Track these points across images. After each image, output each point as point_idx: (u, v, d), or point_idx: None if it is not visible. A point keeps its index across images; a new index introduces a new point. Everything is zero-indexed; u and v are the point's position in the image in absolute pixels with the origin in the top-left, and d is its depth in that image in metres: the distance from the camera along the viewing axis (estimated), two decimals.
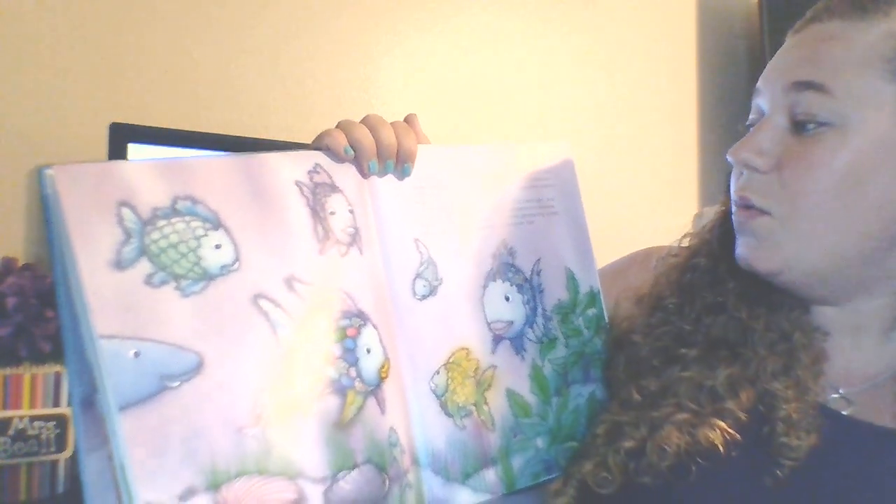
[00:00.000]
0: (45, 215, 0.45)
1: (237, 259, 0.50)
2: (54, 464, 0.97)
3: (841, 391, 0.61)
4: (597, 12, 1.67)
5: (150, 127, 1.12)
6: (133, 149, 1.08)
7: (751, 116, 0.64)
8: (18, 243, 1.12)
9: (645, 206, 1.69)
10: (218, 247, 0.49)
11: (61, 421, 0.96)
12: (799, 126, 0.58)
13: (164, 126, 1.15)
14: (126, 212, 0.46)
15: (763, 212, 0.59)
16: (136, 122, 1.12)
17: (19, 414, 0.94)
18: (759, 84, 0.63)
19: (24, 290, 1.00)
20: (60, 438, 0.96)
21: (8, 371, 0.96)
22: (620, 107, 1.69)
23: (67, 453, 0.97)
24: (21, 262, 1.07)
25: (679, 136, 1.78)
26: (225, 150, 1.14)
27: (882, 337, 0.62)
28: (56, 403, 0.97)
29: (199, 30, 1.27)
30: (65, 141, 1.15)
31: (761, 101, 0.62)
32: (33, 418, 0.95)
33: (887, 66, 0.56)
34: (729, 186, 0.65)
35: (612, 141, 1.68)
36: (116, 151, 1.07)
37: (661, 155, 1.75)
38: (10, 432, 0.94)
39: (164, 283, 0.47)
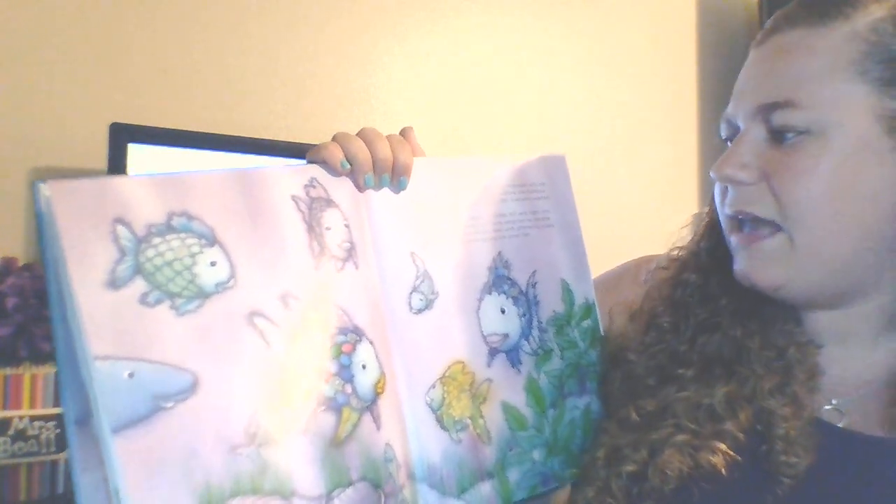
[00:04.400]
0: (39, 230, 0.45)
1: (232, 276, 0.49)
2: (54, 464, 0.97)
3: (834, 402, 0.61)
4: (597, 14, 1.67)
5: (150, 127, 1.12)
6: (133, 149, 1.08)
7: (726, 133, 0.63)
8: (18, 243, 1.12)
9: (646, 207, 1.69)
10: (213, 264, 0.49)
11: (61, 421, 0.96)
12: (778, 136, 0.58)
13: (164, 126, 1.15)
14: (121, 229, 0.46)
15: (773, 225, 0.58)
16: (136, 122, 1.12)
17: (19, 414, 0.94)
18: (730, 107, 0.62)
19: (24, 290, 1.01)
20: (60, 438, 0.96)
21: (8, 371, 0.96)
22: (621, 108, 1.69)
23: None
24: (21, 262, 1.07)
25: (679, 137, 1.78)
26: (225, 150, 1.14)
27: (872, 343, 0.62)
28: (56, 403, 0.97)
29: (199, 30, 1.27)
30: (65, 141, 1.15)
31: (734, 119, 0.62)
32: (33, 418, 0.95)
33: (854, 67, 0.56)
34: (714, 199, 0.64)
35: (612, 142, 1.68)
36: (116, 151, 1.07)
37: (662, 155, 1.75)
38: (10, 432, 0.94)
39: (159, 302, 0.46)
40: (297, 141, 1.29)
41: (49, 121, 1.15)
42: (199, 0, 1.27)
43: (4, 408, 0.94)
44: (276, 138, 1.30)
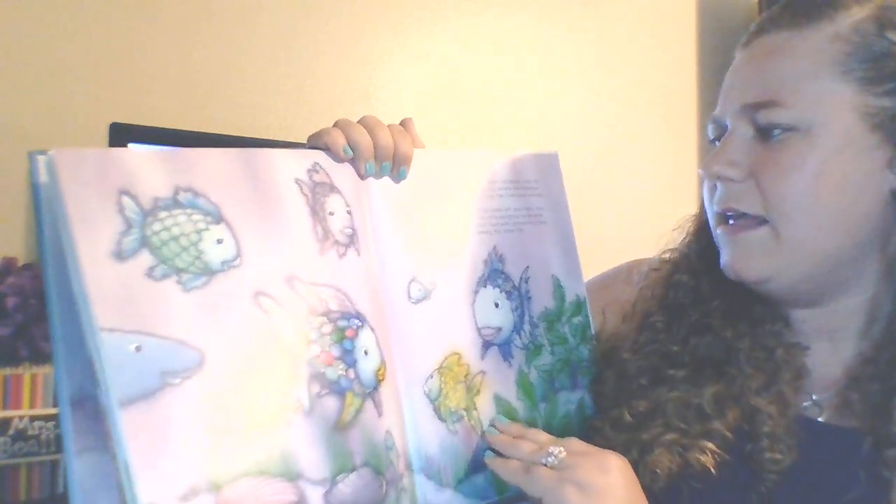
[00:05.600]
0: (34, 202, 0.44)
1: (238, 255, 0.49)
2: (54, 464, 0.97)
3: (814, 397, 0.62)
4: (597, 13, 1.67)
5: (150, 127, 1.12)
6: (133, 149, 1.08)
7: (713, 133, 0.64)
8: (18, 243, 1.12)
9: (645, 207, 1.69)
10: (219, 241, 0.48)
11: None
12: (765, 133, 0.58)
13: (164, 126, 1.15)
14: (127, 200, 0.45)
15: (759, 220, 0.59)
16: (136, 122, 1.12)
17: (19, 414, 0.94)
18: (718, 108, 0.63)
19: (24, 290, 1.01)
20: (61, 438, 0.96)
21: (8, 371, 0.96)
22: (620, 107, 1.69)
23: None
24: (21, 262, 1.07)
25: (679, 137, 1.78)
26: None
27: (858, 339, 0.62)
28: (56, 403, 0.97)
29: (199, 30, 1.27)
30: (65, 141, 1.15)
31: (722, 119, 0.62)
32: (33, 418, 0.95)
33: (838, 67, 0.57)
34: (703, 200, 0.65)
35: (612, 141, 1.68)
36: None
37: (662, 155, 1.75)
38: (10, 432, 0.94)
39: (165, 276, 0.46)
40: (297, 141, 1.29)
41: (49, 121, 1.15)
42: (200, 1, 1.27)
43: (4, 408, 0.94)
44: (276, 138, 1.30)
